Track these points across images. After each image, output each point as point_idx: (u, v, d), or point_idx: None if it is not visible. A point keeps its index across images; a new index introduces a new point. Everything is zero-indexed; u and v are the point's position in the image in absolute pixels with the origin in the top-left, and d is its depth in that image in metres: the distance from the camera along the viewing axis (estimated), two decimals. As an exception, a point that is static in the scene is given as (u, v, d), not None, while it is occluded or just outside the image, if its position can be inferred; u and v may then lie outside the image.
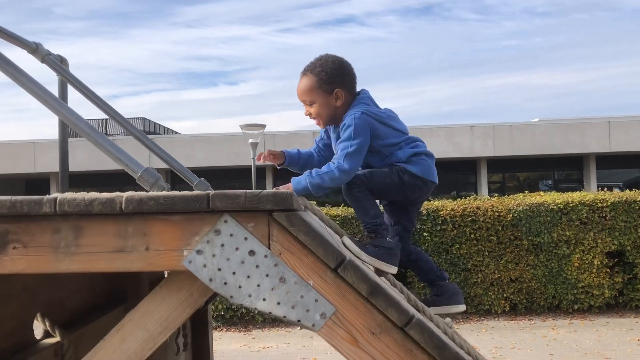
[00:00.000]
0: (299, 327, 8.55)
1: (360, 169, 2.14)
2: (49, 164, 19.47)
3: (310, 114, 2.23)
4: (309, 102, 2.20)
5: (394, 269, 2.06)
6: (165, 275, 3.64)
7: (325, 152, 2.33)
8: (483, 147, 20.73)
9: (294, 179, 2.05)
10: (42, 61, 3.72)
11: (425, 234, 9.61)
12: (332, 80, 2.17)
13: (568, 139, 21.39)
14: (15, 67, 2.56)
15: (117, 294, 3.00)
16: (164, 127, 32.20)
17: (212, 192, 1.39)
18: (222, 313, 9.50)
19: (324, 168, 2.02)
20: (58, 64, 3.77)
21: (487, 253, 9.64)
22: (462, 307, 2.39)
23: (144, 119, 28.30)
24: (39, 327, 2.27)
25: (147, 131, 25.49)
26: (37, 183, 22.11)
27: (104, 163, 18.46)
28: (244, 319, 9.66)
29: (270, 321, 9.61)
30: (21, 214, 1.38)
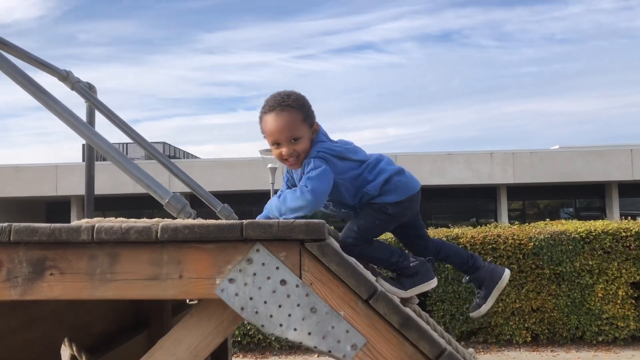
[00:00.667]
0: (316, 355, 8.47)
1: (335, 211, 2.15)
2: (70, 187, 19.75)
3: (290, 153, 2.02)
4: (294, 138, 2.01)
5: (434, 282, 2.13)
6: (187, 300, 3.66)
7: None
8: (503, 174, 20.59)
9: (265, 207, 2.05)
10: (72, 88, 3.82)
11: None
12: (311, 114, 2.08)
13: (590, 166, 21.17)
14: (47, 94, 2.64)
15: (140, 320, 3.02)
16: (184, 151, 32.58)
17: (245, 221, 1.41)
18: (239, 339, 9.45)
19: (276, 204, 2.00)
20: (87, 91, 3.87)
21: (508, 282, 9.49)
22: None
23: (164, 143, 28.69)
24: (65, 352, 2.29)
25: (167, 155, 25.76)
26: (58, 206, 22.38)
27: (124, 187, 18.67)
28: (261, 345, 9.60)
29: (287, 348, 9.53)
30: (59, 241, 1.40)
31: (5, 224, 1.41)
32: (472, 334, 9.67)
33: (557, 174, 21.09)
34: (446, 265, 9.43)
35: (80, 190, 19.84)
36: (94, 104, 3.79)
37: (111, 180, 17.05)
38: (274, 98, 2.05)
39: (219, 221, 1.44)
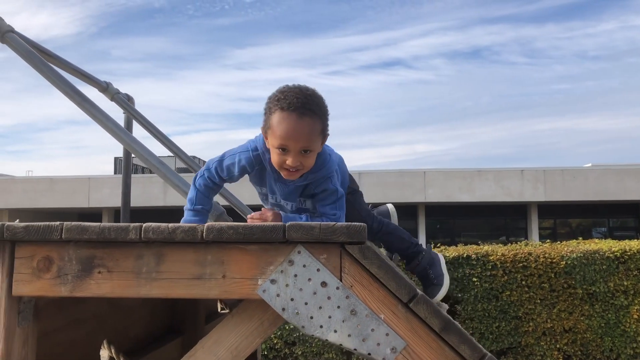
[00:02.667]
0: (343, 370, 8.41)
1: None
2: (102, 199, 20.14)
3: (296, 166, 1.82)
4: (305, 149, 1.81)
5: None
6: (219, 309, 3.69)
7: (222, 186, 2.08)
8: (533, 192, 20.30)
9: (285, 217, 1.86)
10: (112, 99, 3.94)
11: (474, 279, 9.40)
12: (328, 124, 1.88)
13: (624, 185, 20.72)
14: (92, 104, 2.73)
15: (175, 326, 3.06)
16: (213, 165, 32.88)
17: (287, 223, 1.44)
18: (265, 352, 9.45)
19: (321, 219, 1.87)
20: (126, 102, 3.98)
21: (539, 301, 9.33)
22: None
23: (193, 157, 29.08)
24: (104, 353, 2.34)
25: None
26: (90, 217, 22.81)
27: (154, 199, 18.96)
28: (287, 359, 9.58)
29: (314, 363, 9.49)
30: (108, 240, 1.45)
31: (57, 223, 1.46)
32: (501, 354, 9.49)
33: (590, 193, 20.71)
34: (475, 283, 9.31)
35: (112, 202, 20.19)
36: (133, 114, 3.89)
37: (142, 193, 17.34)
38: (296, 95, 1.79)
39: (263, 223, 1.47)
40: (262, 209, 1.86)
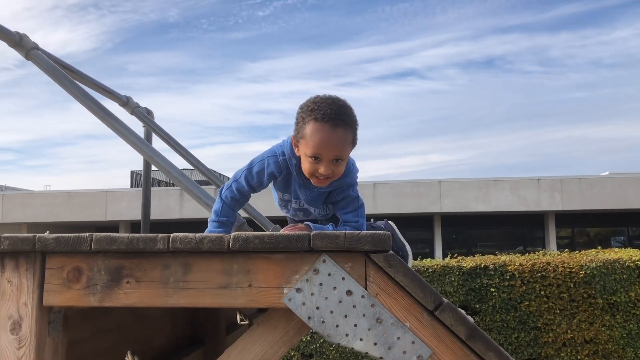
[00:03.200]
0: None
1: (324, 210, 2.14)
2: (119, 212, 20.32)
3: (328, 174, 1.88)
4: (337, 158, 1.88)
5: None
6: (238, 320, 3.70)
7: (250, 197, 2.12)
8: (550, 201, 20.12)
9: (313, 227, 1.91)
10: (132, 113, 4.01)
11: (492, 289, 9.33)
12: (356, 136, 1.95)
13: (642, 193, 20.47)
14: (114, 118, 2.77)
15: (196, 336, 3.08)
16: (229, 177, 33.11)
17: (312, 232, 1.45)
18: (284, 364, 9.43)
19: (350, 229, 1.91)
20: (146, 115, 4.04)
21: (558, 311, 9.22)
22: None
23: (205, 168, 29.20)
24: (128, 364, 2.36)
25: (211, 182, 26.21)
26: (106, 230, 23.00)
27: (171, 212, 19.09)
28: (305, 371, 9.54)
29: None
30: (136, 250, 1.48)
31: (87, 234, 1.49)
32: (521, 365, 9.38)
33: (608, 201, 20.47)
34: (493, 293, 9.23)
35: (129, 215, 20.34)
36: (153, 128, 3.95)
37: (159, 206, 17.47)
38: (330, 106, 1.84)
39: (288, 232, 1.49)
40: (295, 224, 1.87)
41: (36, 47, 2.92)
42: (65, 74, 2.89)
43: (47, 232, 1.61)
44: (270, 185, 2.16)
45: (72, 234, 1.49)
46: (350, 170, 1.99)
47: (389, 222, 2.59)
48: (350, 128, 1.88)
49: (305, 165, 1.90)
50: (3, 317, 1.49)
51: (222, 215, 1.99)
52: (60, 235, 1.49)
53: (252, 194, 2.08)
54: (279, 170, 1.99)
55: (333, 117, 1.82)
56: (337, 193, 2.02)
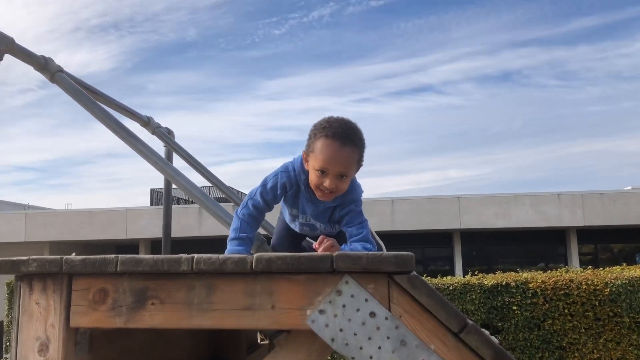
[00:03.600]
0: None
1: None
2: (139, 230, 20.48)
3: (332, 189, 1.98)
4: (343, 174, 1.98)
5: None
6: (259, 340, 3.69)
7: (267, 211, 2.20)
8: (572, 217, 19.83)
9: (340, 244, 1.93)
10: (153, 133, 4.06)
11: (514, 307, 9.18)
12: (364, 156, 2.06)
13: (667, 208, 20.09)
14: (136, 139, 2.82)
15: (217, 356, 3.08)
16: (246, 194, 33.22)
17: (335, 253, 1.45)
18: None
19: (362, 248, 1.98)
20: (167, 135, 4.09)
21: (583, 330, 9.04)
22: None
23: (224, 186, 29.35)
24: (151, 384, 2.36)
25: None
26: (127, 249, 23.21)
27: (190, 229, 19.20)
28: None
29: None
30: (161, 272, 1.49)
31: (113, 256, 1.51)
32: (546, 385, 9.19)
33: (632, 216, 20.11)
34: (516, 312, 9.08)
35: (148, 233, 20.44)
36: (174, 147, 4.00)
37: (178, 224, 17.58)
38: (341, 126, 1.97)
39: (310, 253, 1.49)
40: (322, 236, 1.90)
41: (60, 69, 2.98)
42: (89, 96, 2.95)
43: (74, 253, 1.63)
44: (281, 202, 2.28)
45: (98, 256, 1.51)
46: (354, 187, 2.10)
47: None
48: (358, 148, 2.00)
49: (313, 178, 2.02)
50: (31, 338, 1.51)
51: (241, 232, 2.04)
52: (87, 257, 1.51)
53: (266, 212, 2.17)
54: (290, 183, 2.11)
55: (343, 136, 1.95)
56: (341, 208, 2.11)
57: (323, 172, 1.96)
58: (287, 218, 2.38)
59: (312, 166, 2.00)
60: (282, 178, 2.11)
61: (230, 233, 2.10)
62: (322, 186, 1.98)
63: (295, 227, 2.38)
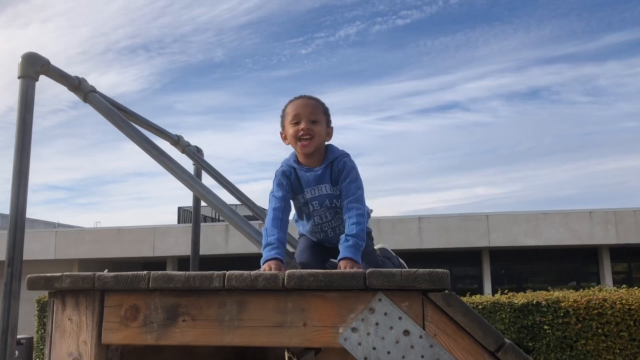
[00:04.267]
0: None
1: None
2: (167, 248, 20.64)
3: (308, 130, 2.22)
4: (314, 119, 2.25)
5: None
6: (286, 358, 3.66)
7: (288, 211, 2.31)
8: (604, 234, 19.36)
9: (352, 254, 1.98)
10: (183, 152, 4.10)
11: (545, 326, 8.96)
12: (329, 116, 2.38)
13: (703, 225, 19.49)
14: (167, 157, 2.84)
15: (245, 374, 3.06)
16: (272, 213, 33.33)
17: (368, 270, 1.43)
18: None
19: (355, 227, 2.07)
20: (196, 153, 4.13)
21: (618, 351, 8.77)
22: None
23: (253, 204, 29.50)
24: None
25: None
26: (154, 266, 23.42)
27: (217, 248, 19.29)
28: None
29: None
30: (192, 289, 1.49)
31: (144, 272, 1.51)
32: (580, 408, 8.91)
33: (666, 234, 19.55)
34: (547, 331, 8.86)
35: (176, 251, 20.56)
36: (203, 165, 4.03)
37: (205, 241, 17.66)
38: (302, 94, 2.38)
39: (343, 270, 1.47)
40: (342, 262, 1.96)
41: (93, 90, 3.04)
42: (121, 115, 3.00)
43: (106, 270, 1.64)
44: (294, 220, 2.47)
45: (130, 273, 1.51)
46: (335, 148, 2.31)
47: (384, 246, 2.84)
48: (320, 102, 2.34)
49: (290, 132, 2.25)
50: (64, 354, 1.52)
51: (270, 236, 2.11)
52: (119, 273, 1.52)
53: (287, 211, 2.28)
54: (288, 169, 2.31)
55: (304, 95, 2.35)
56: (337, 168, 2.24)
57: (297, 122, 2.23)
58: (298, 214, 2.45)
59: (288, 123, 2.27)
60: (280, 170, 2.34)
61: (263, 243, 2.15)
62: (299, 133, 2.21)
63: (310, 222, 2.40)
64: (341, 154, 2.30)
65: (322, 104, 2.35)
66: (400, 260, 2.78)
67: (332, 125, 2.37)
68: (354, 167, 2.27)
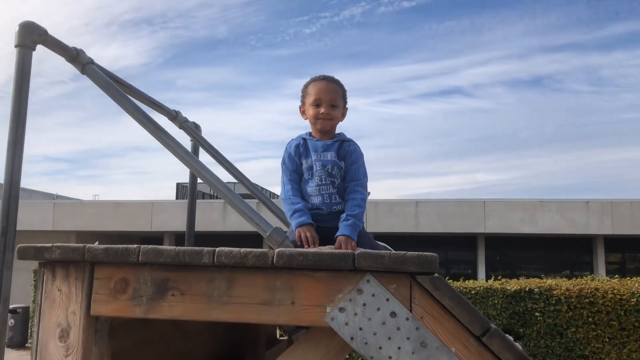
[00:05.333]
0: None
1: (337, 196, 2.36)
2: (164, 223, 20.70)
3: (327, 114, 2.37)
4: (333, 104, 2.39)
5: None
6: (277, 335, 3.68)
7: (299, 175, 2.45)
8: (600, 224, 19.45)
9: (351, 233, 2.11)
10: (180, 127, 4.08)
11: (537, 313, 9.04)
12: (346, 99, 2.52)
13: (699, 219, 19.55)
14: (164, 132, 2.83)
15: (236, 351, 3.08)
16: (270, 191, 33.39)
17: (357, 251, 1.44)
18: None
19: (357, 209, 2.20)
20: (193, 129, 4.11)
21: (607, 340, 8.86)
22: None
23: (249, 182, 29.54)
24: (169, 376, 2.37)
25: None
26: (151, 241, 23.50)
27: (214, 224, 19.35)
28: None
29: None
30: (182, 264, 1.49)
31: (135, 246, 1.52)
32: (567, 394, 9.03)
33: (662, 226, 19.62)
34: (538, 318, 8.94)
35: (173, 226, 20.61)
36: (200, 142, 4.01)
37: (202, 218, 17.71)
38: (324, 74, 2.51)
39: (332, 250, 1.48)
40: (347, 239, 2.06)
41: (91, 61, 3.01)
42: (118, 88, 2.97)
43: (97, 242, 1.65)
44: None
45: (121, 246, 1.52)
46: (355, 145, 2.40)
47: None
48: (340, 86, 2.46)
49: (311, 112, 2.39)
50: (52, 324, 1.53)
51: (295, 203, 2.27)
52: (109, 246, 1.52)
53: (298, 176, 2.40)
54: (298, 142, 2.44)
55: (327, 77, 2.48)
56: (345, 149, 2.35)
57: (318, 104, 2.37)
58: (303, 181, 2.50)
59: (309, 104, 2.41)
60: (291, 143, 2.48)
61: (287, 213, 2.31)
62: (319, 114, 2.36)
63: (312, 183, 2.44)
64: (352, 139, 2.44)
65: (342, 87, 2.49)
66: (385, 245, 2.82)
67: (347, 106, 2.52)
68: (362, 155, 2.41)
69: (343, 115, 2.50)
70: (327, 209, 2.34)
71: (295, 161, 2.42)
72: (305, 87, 2.50)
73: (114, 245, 1.52)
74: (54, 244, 1.54)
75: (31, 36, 2.66)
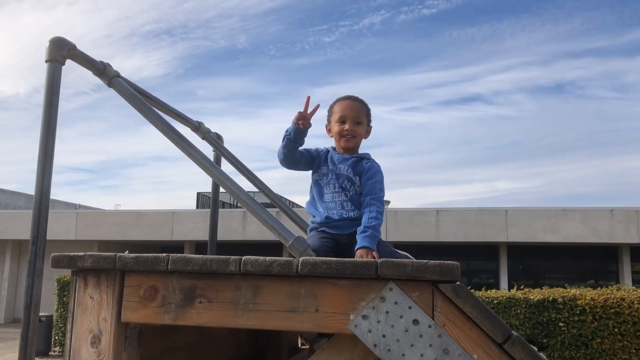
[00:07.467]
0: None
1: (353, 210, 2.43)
2: (185, 232, 20.88)
3: (352, 131, 2.48)
4: (358, 121, 2.51)
5: None
6: (299, 344, 3.71)
7: (304, 156, 2.57)
8: (625, 233, 19.11)
9: (370, 244, 2.12)
10: (203, 138, 4.15)
11: (561, 324, 8.92)
12: (371, 117, 2.62)
13: None
14: (188, 143, 2.89)
15: (259, 358, 3.12)
16: (289, 200, 33.51)
17: (380, 259, 1.46)
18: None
19: (374, 221, 2.24)
20: (216, 140, 4.18)
21: (634, 351, 8.70)
22: None
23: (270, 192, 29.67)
24: (194, 382, 2.41)
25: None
26: (172, 250, 23.70)
27: (234, 233, 19.46)
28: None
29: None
30: (209, 272, 1.54)
31: (164, 254, 1.56)
32: (593, 406, 8.87)
33: (689, 235, 19.21)
34: (562, 328, 8.82)
35: (194, 235, 20.73)
36: (223, 152, 4.08)
37: (222, 227, 17.81)
38: (348, 94, 2.63)
39: (355, 259, 1.51)
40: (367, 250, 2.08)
41: (117, 75, 3.09)
42: (143, 101, 3.05)
43: (127, 251, 1.70)
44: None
45: (150, 254, 1.57)
46: (374, 163, 2.49)
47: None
48: (365, 106, 2.57)
49: (336, 129, 2.51)
50: (84, 330, 1.58)
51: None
52: (139, 255, 1.57)
53: (303, 150, 2.53)
54: (320, 150, 2.59)
55: (352, 96, 2.59)
56: (362, 164, 2.45)
57: (343, 121, 2.49)
58: (316, 187, 2.60)
59: (334, 121, 2.53)
60: (316, 147, 2.63)
61: (283, 137, 2.49)
62: (344, 131, 2.48)
63: (327, 193, 2.54)
64: (372, 159, 2.53)
65: (366, 106, 2.60)
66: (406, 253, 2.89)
67: (371, 125, 2.61)
68: (381, 172, 2.48)
69: (367, 133, 2.59)
70: (338, 215, 2.43)
71: (313, 152, 2.56)
72: (331, 106, 2.61)
73: (143, 254, 1.57)
74: (86, 253, 1.59)
75: (61, 51, 2.75)
